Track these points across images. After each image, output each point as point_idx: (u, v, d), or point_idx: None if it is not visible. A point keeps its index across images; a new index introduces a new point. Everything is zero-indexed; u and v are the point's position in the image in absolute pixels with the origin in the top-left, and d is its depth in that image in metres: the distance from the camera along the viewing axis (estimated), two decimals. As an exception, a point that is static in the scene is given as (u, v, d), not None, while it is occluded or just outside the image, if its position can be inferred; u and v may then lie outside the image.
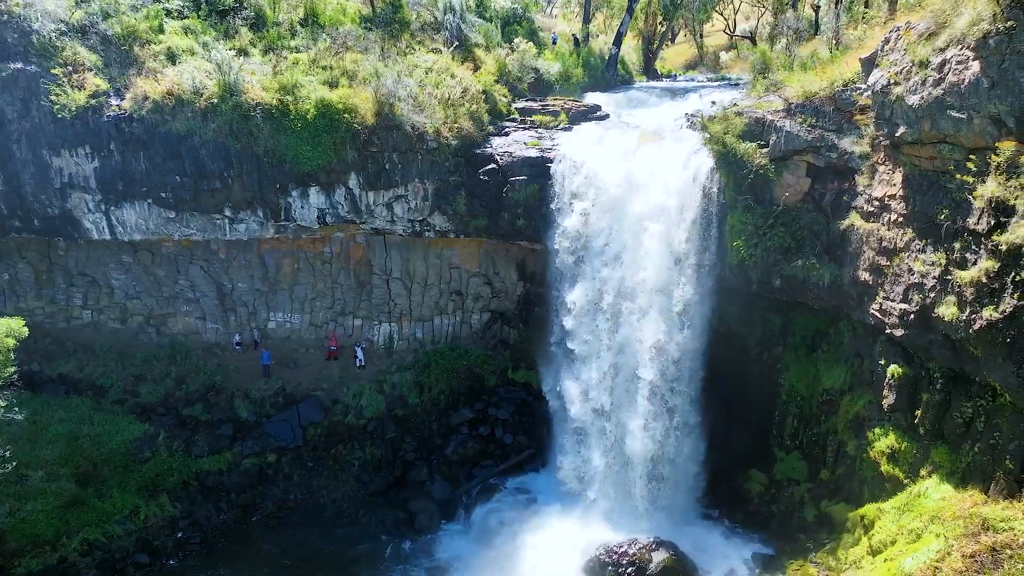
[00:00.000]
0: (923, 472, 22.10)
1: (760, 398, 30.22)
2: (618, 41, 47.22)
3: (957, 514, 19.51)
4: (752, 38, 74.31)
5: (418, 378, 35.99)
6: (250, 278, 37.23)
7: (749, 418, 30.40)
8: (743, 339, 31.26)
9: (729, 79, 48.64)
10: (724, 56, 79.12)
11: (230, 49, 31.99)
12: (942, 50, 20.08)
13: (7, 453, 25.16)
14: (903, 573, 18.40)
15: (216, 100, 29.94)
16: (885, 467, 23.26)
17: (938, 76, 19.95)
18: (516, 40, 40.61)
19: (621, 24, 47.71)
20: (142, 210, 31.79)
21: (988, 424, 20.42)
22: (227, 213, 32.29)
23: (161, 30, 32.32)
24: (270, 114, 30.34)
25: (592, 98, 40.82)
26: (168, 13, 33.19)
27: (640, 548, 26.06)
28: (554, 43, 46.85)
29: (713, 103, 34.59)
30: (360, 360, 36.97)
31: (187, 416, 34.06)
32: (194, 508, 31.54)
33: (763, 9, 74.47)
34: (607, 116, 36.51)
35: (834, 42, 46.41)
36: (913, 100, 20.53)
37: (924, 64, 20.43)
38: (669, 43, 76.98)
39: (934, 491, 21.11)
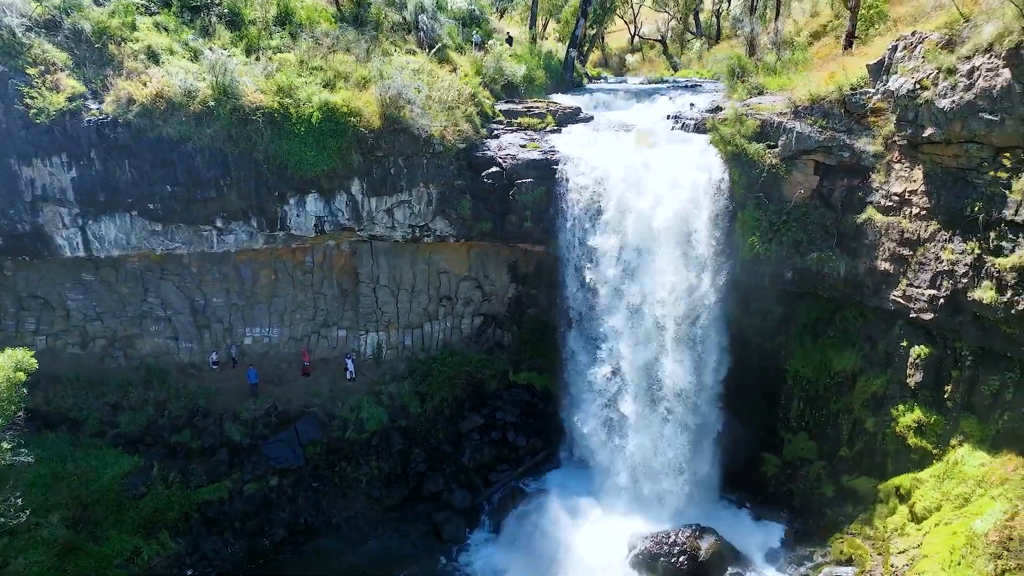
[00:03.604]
0: (953, 442, 24.34)
1: (763, 385, 31.94)
2: (574, 43, 48.07)
3: (1004, 477, 21.71)
4: (663, 41, 77.73)
5: (418, 387, 35.17)
6: (226, 292, 34.93)
7: (753, 405, 32.05)
8: (742, 330, 32.84)
9: (677, 81, 50.57)
10: (630, 58, 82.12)
11: (211, 48, 29.89)
12: (968, 58, 22.17)
13: (19, 500, 22.35)
14: (975, 534, 20.24)
15: (212, 103, 27.93)
16: (912, 440, 25.37)
17: (968, 82, 22.03)
18: (491, 41, 40.45)
19: (576, 27, 48.61)
20: (123, 223, 29.16)
21: (1017, 395, 22.82)
22: (218, 224, 30.21)
23: (134, 27, 29.67)
24: (271, 118, 28.68)
25: (558, 100, 41.33)
26: (136, 8, 30.50)
27: (687, 536, 26.94)
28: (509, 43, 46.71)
29: (692, 105, 36.20)
30: (351, 372, 35.64)
31: (176, 444, 31.56)
32: (199, 542, 29.31)
33: (669, 15, 78.01)
34: (591, 118, 37.11)
35: (750, 45, 49.57)
36: (944, 104, 22.53)
37: (952, 71, 22.48)
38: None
39: (970, 458, 23.31)
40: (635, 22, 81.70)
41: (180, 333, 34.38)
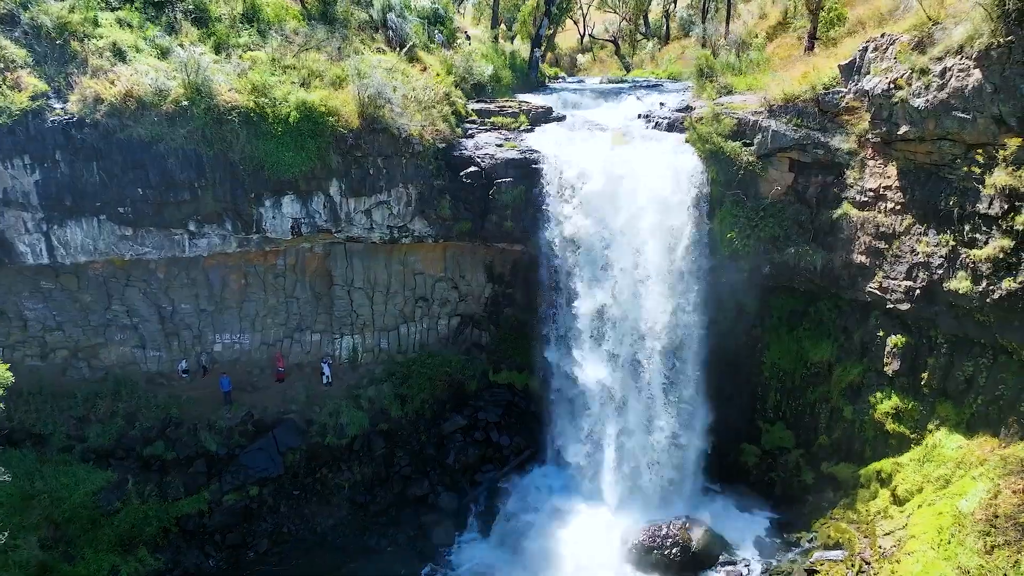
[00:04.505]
0: (930, 426, 25.41)
1: (740, 377, 32.70)
2: (537, 43, 48.29)
3: (982, 458, 22.78)
4: (615, 41, 78.73)
5: (397, 389, 34.72)
6: (194, 297, 33.77)
7: (731, 396, 32.78)
8: (717, 324, 33.51)
9: (637, 81, 51.25)
10: (581, 58, 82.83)
11: (181, 46, 28.91)
12: (940, 59, 23.16)
13: (-3, 522, 21.24)
14: (961, 514, 21.18)
15: (185, 103, 27.01)
16: (891, 426, 26.38)
17: (941, 82, 23.01)
18: (459, 41, 40.25)
19: (539, 27, 48.82)
20: (91, 228, 27.93)
21: (990, 379, 23.96)
22: (191, 227, 29.26)
23: (96, 23, 28.43)
24: (247, 118, 27.91)
25: (527, 99, 41.39)
26: (98, 3, 29.22)
27: (679, 528, 27.39)
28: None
29: (662, 105, 36.85)
30: (327, 377, 34.99)
31: (150, 457, 30.41)
32: (180, 557, 28.36)
33: (618, 15, 79.06)
34: (564, 117, 37.36)
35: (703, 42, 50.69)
36: (918, 103, 23.48)
37: (925, 71, 23.44)
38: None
39: (948, 441, 24.38)
40: (585, 22, 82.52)
41: (147, 341, 33.11)
